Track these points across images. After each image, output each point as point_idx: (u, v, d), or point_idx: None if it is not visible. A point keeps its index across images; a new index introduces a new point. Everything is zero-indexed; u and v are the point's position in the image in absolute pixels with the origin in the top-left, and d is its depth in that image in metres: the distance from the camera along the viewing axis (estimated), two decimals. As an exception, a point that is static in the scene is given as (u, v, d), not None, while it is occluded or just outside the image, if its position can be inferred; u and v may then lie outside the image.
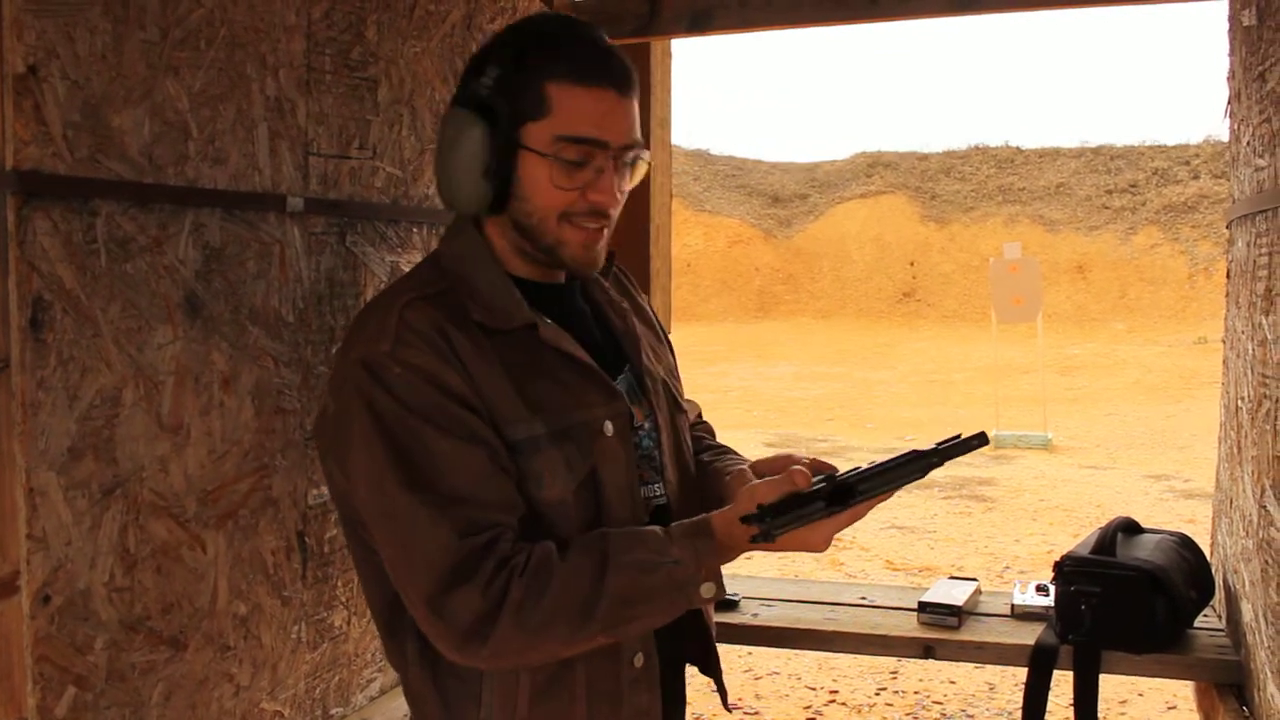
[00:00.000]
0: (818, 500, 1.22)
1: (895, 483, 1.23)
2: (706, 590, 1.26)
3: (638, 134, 1.35)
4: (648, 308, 1.62)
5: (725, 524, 1.27)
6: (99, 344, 1.34)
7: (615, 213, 1.37)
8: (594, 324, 1.48)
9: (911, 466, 1.24)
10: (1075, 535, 6.08)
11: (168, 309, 1.45)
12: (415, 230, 2.01)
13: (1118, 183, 22.27)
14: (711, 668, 1.57)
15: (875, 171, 24.28)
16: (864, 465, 1.25)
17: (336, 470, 1.32)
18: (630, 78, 1.34)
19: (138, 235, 1.40)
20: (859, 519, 1.26)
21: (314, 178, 1.73)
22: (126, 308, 1.38)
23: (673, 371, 1.59)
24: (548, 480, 1.30)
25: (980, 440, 1.23)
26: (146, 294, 1.41)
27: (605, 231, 1.37)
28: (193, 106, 1.48)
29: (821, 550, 1.26)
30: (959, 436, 1.25)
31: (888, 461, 1.24)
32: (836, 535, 1.26)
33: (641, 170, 1.39)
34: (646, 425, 1.45)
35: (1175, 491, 8.00)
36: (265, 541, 1.65)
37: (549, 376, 1.33)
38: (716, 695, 1.60)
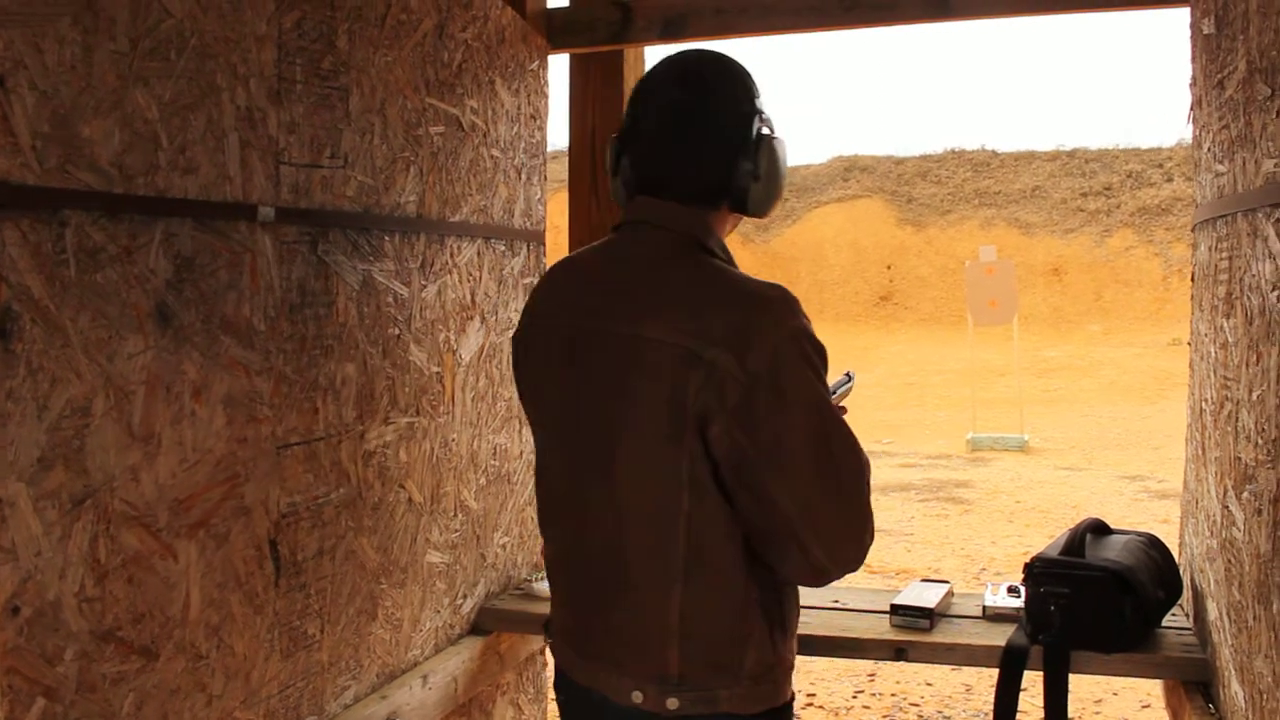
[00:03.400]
0: None
1: None
2: None
3: None
4: None
5: None
6: (69, 354, 1.34)
7: None
8: None
9: None
10: (1051, 536, 6.12)
11: (138, 319, 1.45)
12: (387, 239, 2.01)
13: (1092, 186, 22.43)
14: None
15: (852, 175, 24.37)
16: None
17: (741, 434, 1.38)
18: None
19: (108, 245, 1.40)
20: None
21: (285, 187, 1.74)
22: (96, 317, 1.38)
23: None
24: None
25: None
26: (117, 304, 1.42)
27: None
28: (163, 116, 1.48)
29: None
30: None
31: None
32: None
33: None
34: None
35: (1150, 492, 8.07)
36: (237, 550, 1.65)
37: None
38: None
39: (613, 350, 1.45)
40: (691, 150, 1.51)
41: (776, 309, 1.41)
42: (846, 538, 1.43)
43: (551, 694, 1.73)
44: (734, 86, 1.54)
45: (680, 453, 1.40)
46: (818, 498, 1.40)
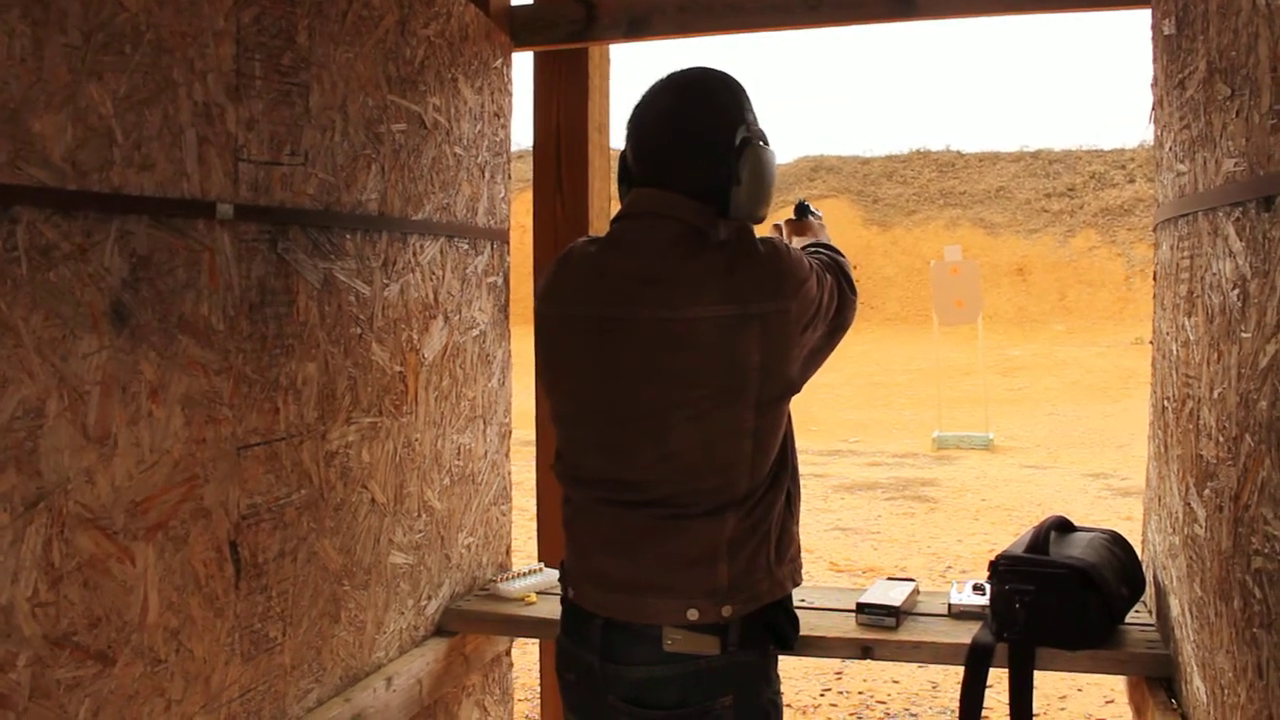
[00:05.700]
0: None
1: None
2: None
3: None
4: None
5: None
6: (20, 354, 1.32)
7: None
8: None
9: None
10: (1016, 534, 6.14)
11: (93, 318, 1.42)
12: (348, 237, 1.99)
13: (1056, 186, 22.64)
14: None
15: (818, 175, 24.47)
16: None
17: (811, 333, 1.66)
18: None
19: (61, 243, 1.37)
20: None
21: (244, 184, 1.71)
22: (49, 317, 1.36)
23: None
24: None
25: None
26: (70, 303, 1.39)
27: None
28: (118, 112, 1.46)
29: None
30: None
31: None
32: None
33: None
34: None
35: (1113, 489, 8.15)
36: (197, 552, 1.63)
37: None
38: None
39: (643, 334, 1.59)
40: (684, 154, 1.65)
41: (780, 248, 1.62)
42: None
43: (519, 695, 1.71)
44: (723, 97, 1.68)
45: (742, 406, 1.58)
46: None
